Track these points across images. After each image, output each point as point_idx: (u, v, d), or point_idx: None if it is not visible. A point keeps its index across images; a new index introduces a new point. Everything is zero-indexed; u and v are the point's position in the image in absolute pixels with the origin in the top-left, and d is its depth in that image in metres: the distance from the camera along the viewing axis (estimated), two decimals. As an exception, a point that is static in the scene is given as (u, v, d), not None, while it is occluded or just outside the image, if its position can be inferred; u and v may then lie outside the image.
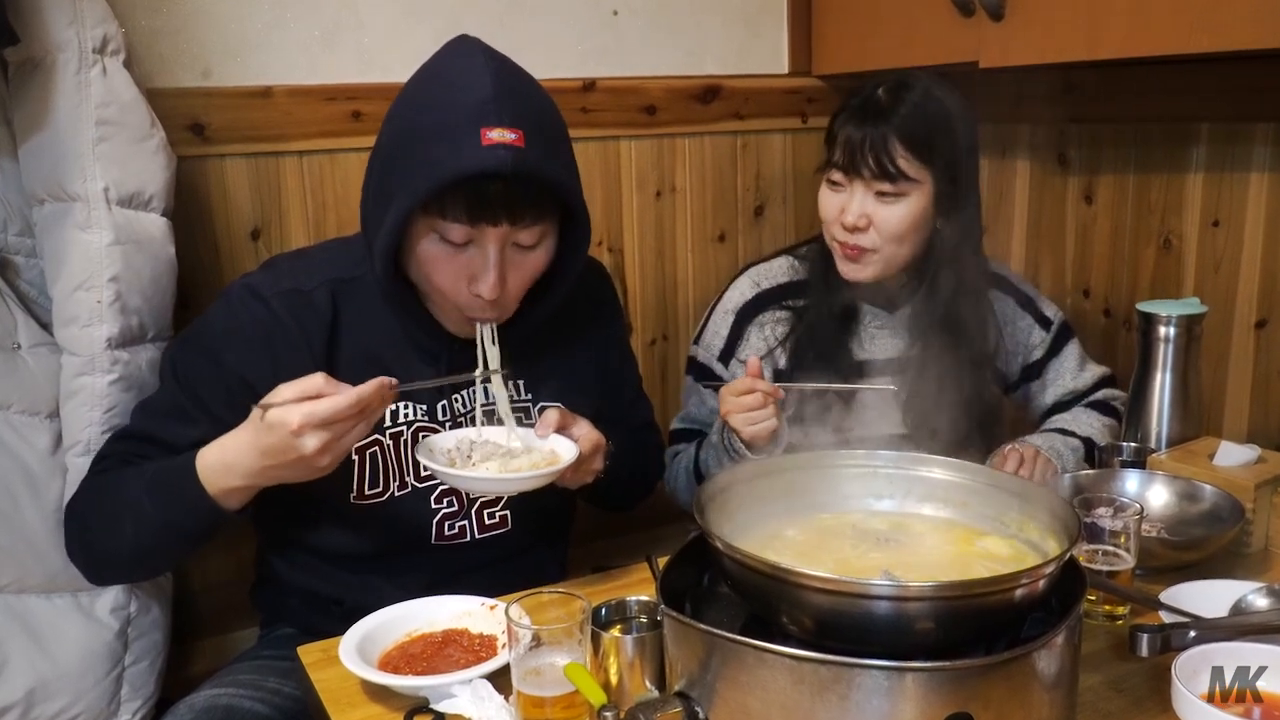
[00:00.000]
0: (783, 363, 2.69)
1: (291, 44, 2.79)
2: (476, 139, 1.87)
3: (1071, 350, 2.86)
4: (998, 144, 3.49)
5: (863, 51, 3.32)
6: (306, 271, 2.17)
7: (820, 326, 2.66)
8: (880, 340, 2.71)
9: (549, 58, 3.12)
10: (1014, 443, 2.57)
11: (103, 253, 2.24)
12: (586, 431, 2.15)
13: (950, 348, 2.59)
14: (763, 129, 3.49)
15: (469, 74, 1.95)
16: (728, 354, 2.74)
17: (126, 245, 2.27)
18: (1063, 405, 2.84)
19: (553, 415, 2.13)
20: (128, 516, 2.04)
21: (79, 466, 2.24)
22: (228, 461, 1.92)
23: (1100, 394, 2.82)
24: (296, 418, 1.77)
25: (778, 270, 2.79)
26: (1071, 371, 2.84)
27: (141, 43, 2.59)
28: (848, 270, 2.60)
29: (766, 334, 2.72)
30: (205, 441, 1.97)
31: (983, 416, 2.58)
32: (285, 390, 1.81)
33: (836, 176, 2.54)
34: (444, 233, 1.97)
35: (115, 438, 2.20)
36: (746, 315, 2.74)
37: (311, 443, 1.79)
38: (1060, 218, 3.40)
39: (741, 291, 2.78)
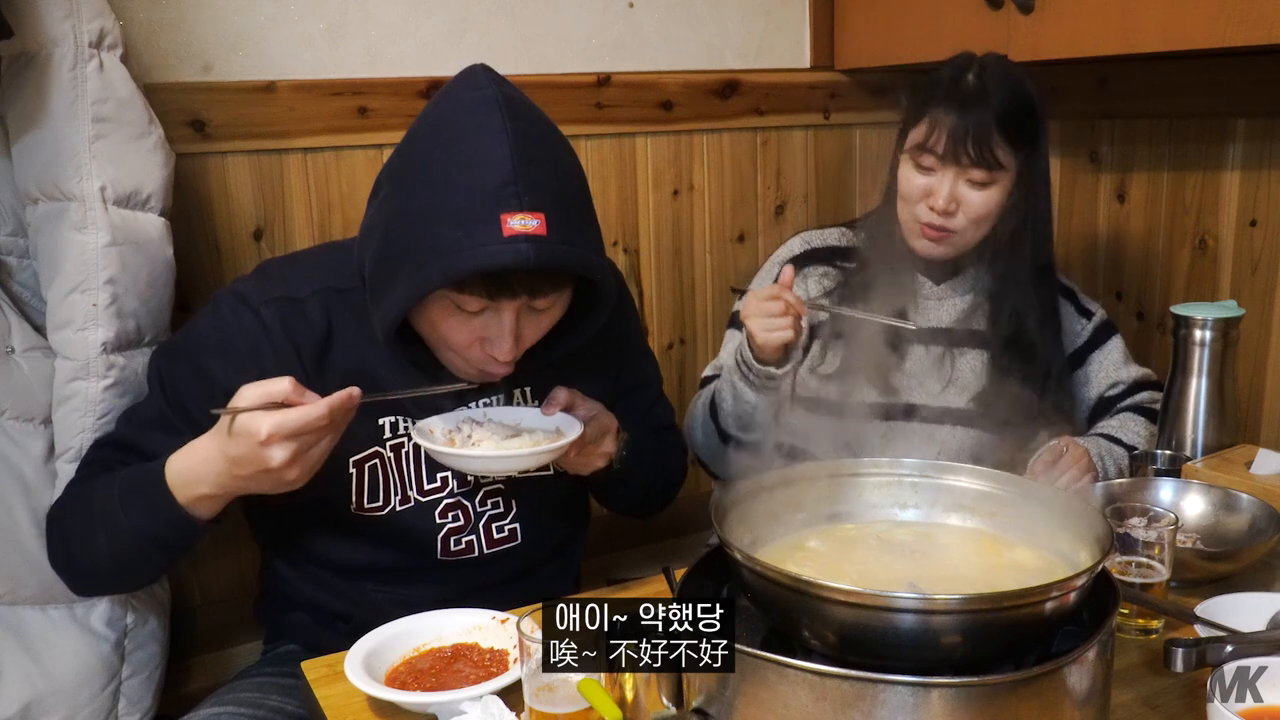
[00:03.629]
0: (823, 316, 2.73)
1: (296, 37, 2.79)
2: (496, 228, 1.84)
3: (1117, 343, 2.86)
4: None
5: (888, 45, 3.32)
6: (299, 278, 2.16)
7: (872, 289, 2.67)
8: (926, 308, 2.76)
9: (562, 51, 3.12)
10: (1054, 440, 2.56)
11: (99, 254, 2.23)
12: (596, 412, 2.15)
13: (1004, 323, 2.67)
14: (784, 125, 3.49)
15: (485, 141, 1.89)
16: None
17: (123, 246, 2.27)
18: (1107, 400, 2.84)
19: (561, 394, 2.14)
20: (102, 525, 2.04)
21: (69, 474, 2.23)
22: (195, 468, 1.91)
23: (1144, 396, 2.82)
24: (265, 427, 1.76)
25: (829, 235, 2.88)
26: (1116, 363, 2.84)
27: (140, 36, 2.60)
28: (924, 248, 2.67)
29: (809, 285, 2.79)
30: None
31: (1034, 395, 2.60)
32: (249, 392, 1.80)
33: (929, 161, 2.57)
34: (459, 303, 1.96)
35: (98, 444, 2.21)
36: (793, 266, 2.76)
37: (280, 454, 1.78)
38: (1092, 217, 3.40)
39: (790, 248, 2.88)
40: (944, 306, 2.76)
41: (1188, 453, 2.56)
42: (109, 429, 2.26)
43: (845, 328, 2.66)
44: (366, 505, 2.17)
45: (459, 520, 2.24)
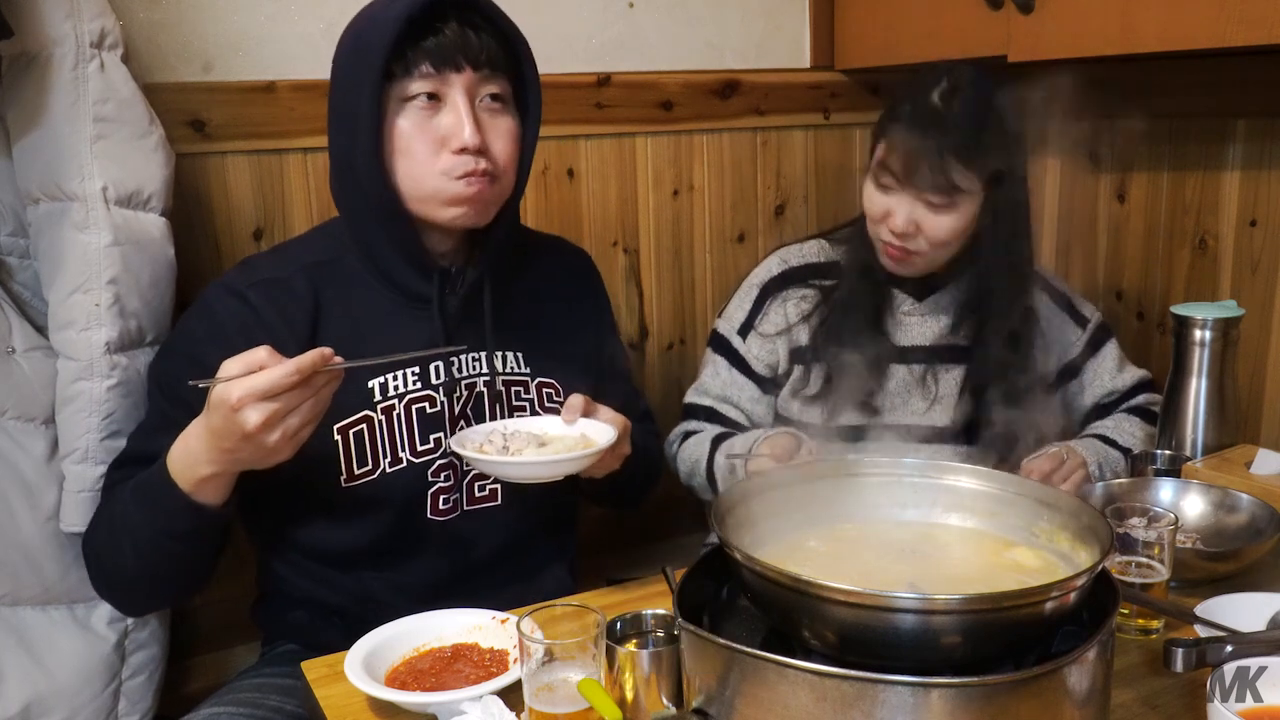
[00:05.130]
0: (803, 339, 2.76)
1: (296, 37, 2.79)
2: None
3: (1110, 350, 2.86)
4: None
5: (888, 45, 3.32)
6: (282, 261, 2.23)
7: (851, 308, 2.69)
8: (908, 326, 2.75)
9: (562, 51, 3.12)
10: (1055, 445, 2.56)
11: (101, 254, 2.24)
12: (614, 415, 2.17)
13: (988, 339, 2.65)
14: (784, 125, 3.49)
15: None
16: (747, 327, 2.81)
17: (125, 246, 2.27)
18: (1103, 408, 2.84)
19: (578, 401, 2.15)
20: (124, 535, 2.07)
21: (76, 474, 2.25)
22: (190, 450, 1.92)
23: (1141, 398, 2.82)
24: (236, 392, 1.77)
25: (807, 251, 2.87)
26: (1110, 371, 2.84)
27: (140, 36, 2.60)
28: (890, 265, 2.68)
29: (788, 310, 2.79)
30: None
31: (1023, 409, 2.59)
32: (231, 365, 1.81)
33: (887, 181, 2.57)
34: (412, 92, 2.06)
35: (113, 465, 2.23)
36: (770, 290, 2.82)
37: (254, 417, 1.78)
38: (1091, 217, 3.40)
39: (768, 268, 2.86)
40: (925, 324, 2.75)
41: (1187, 453, 2.56)
42: (119, 429, 2.27)
43: (826, 349, 2.68)
44: (357, 471, 2.18)
45: (449, 480, 2.25)
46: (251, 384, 1.77)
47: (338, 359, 1.86)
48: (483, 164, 2.09)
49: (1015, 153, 2.60)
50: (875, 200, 2.61)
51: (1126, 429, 2.76)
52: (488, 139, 2.10)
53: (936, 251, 2.62)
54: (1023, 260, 2.71)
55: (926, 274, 2.70)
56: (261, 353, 1.81)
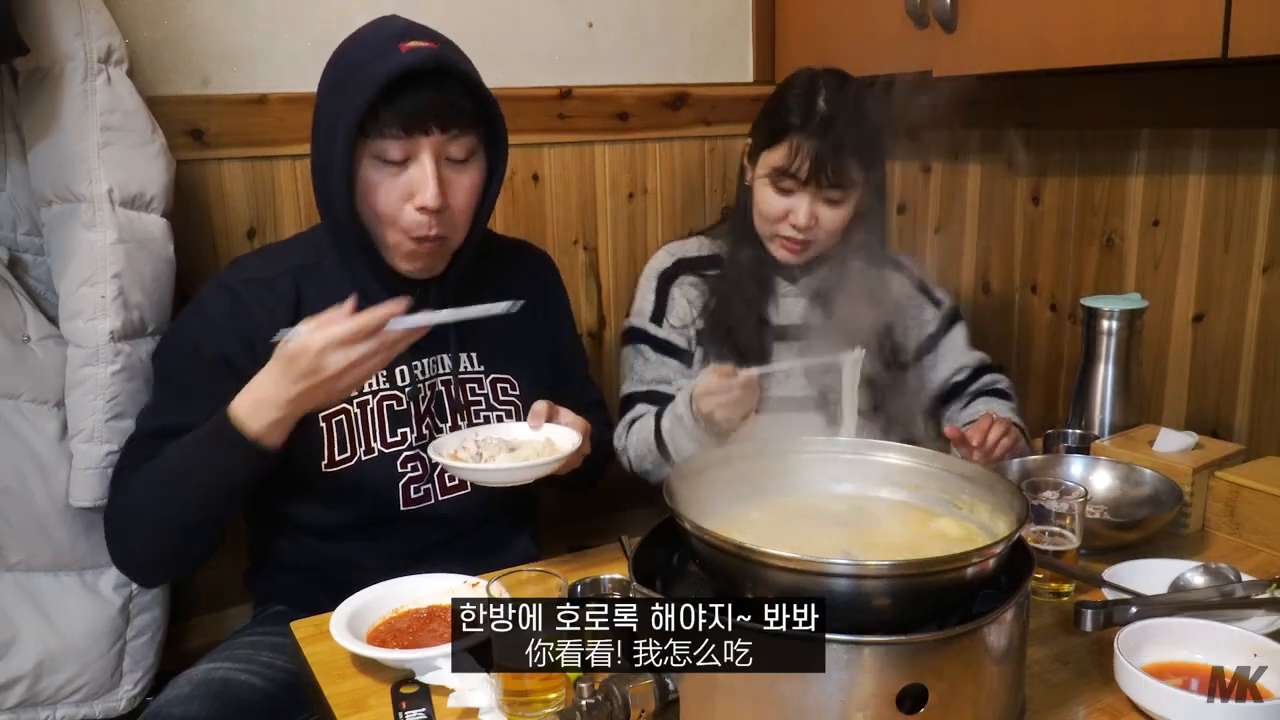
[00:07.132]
0: (700, 325, 2.77)
1: (285, 55, 2.78)
2: (397, 50, 2.01)
3: (960, 330, 2.89)
4: (950, 148, 3.49)
5: (823, 61, 3.28)
6: (269, 262, 2.26)
7: (736, 295, 2.72)
8: (785, 307, 2.77)
9: (528, 67, 3.11)
10: (985, 413, 2.56)
11: (107, 251, 2.24)
12: (574, 418, 2.21)
13: (853, 315, 2.61)
14: (729, 134, 3.48)
15: (384, 21, 2.13)
16: (658, 315, 2.81)
17: (129, 244, 2.27)
18: (956, 385, 2.85)
19: (542, 406, 2.20)
20: (170, 496, 2.07)
21: (83, 452, 2.25)
22: (262, 398, 1.96)
23: (990, 378, 2.84)
24: (319, 340, 1.86)
25: (691, 245, 2.90)
26: (960, 349, 2.86)
27: (144, 53, 2.58)
28: (785, 258, 2.70)
29: (687, 293, 2.80)
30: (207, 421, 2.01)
31: (887, 380, 2.62)
32: (304, 326, 1.89)
33: (789, 184, 2.59)
34: (383, 153, 2.06)
35: (128, 445, 2.22)
36: (667, 279, 2.83)
37: (336, 360, 1.87)
38: (1009, 218, 3.40)
39: (660, 260, 2.87)
40: (800, 304, 2.76)
41: (1096, 432, 2.57)
42: (122, 410, 2.28)
43: (715, 334, 2.71)
44: (337, 458, 2.20)
45: (419, 471, 2.26)
46: (331, 333, 1.87)
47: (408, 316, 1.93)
48: (436, 229, 2.12)
49: (885, 147, 2.67)
50: (774, 202, 2.63)
51: (995, 407, 2.74)
52: (448, 194, 2.11)
53: (827, 241, 2.65)
54: (880, 241, 2.78)
55: (809, 261, 2.73)
56: (335, 313, 1.91)
